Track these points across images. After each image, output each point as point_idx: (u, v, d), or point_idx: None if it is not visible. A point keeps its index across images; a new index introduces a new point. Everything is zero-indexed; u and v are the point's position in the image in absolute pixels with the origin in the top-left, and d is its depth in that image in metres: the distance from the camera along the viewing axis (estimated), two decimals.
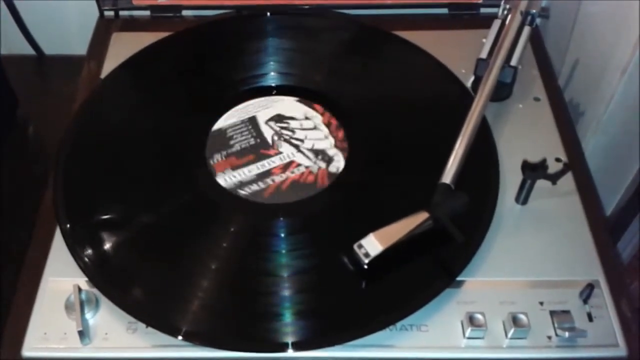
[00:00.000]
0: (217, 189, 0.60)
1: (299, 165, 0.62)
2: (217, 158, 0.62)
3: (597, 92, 0.72)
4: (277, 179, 0.61)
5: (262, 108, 0.66)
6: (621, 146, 0.73)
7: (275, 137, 0.64)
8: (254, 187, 0.60)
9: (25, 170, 0.75)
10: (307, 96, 0.67)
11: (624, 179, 0.74)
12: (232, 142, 0.63)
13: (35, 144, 0.80)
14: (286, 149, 0.63)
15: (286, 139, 0.64)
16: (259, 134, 0.64)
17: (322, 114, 0.66)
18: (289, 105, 0.67)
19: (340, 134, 0.64)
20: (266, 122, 0.65)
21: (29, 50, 0.88)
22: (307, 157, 0.63)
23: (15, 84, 0.81)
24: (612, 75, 0.69)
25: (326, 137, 0.64)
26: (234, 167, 0.61)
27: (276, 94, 0.68)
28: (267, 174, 0.61)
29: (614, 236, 0.72)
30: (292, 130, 0.65)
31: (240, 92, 0.68)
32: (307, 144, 0.64)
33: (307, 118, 0.66)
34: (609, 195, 0.75)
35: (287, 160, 0.62)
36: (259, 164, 0.62)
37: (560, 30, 0.78)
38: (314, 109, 0.66)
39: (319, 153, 0.63)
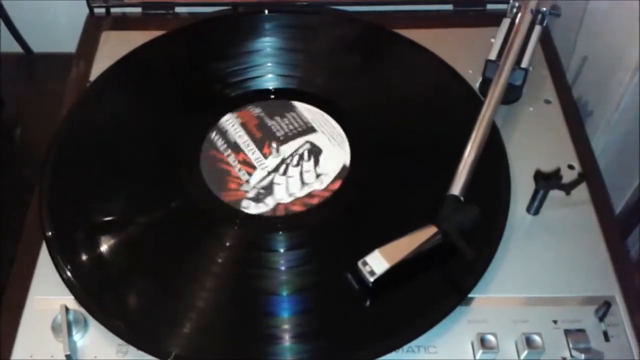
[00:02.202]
0: (213, 202, 0.57)
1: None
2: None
3: (607, 91, 0.70)
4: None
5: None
6: (631, 145, 0.71)
7: (274, 145, 0.61)
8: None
9: (11, 175, 0.72)
10: (305, 99, 0.65)
11: (633, 179, 0.73)
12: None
13: (22, 146, 0.77)
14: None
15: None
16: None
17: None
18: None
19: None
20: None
21: (16, 48, 0.86)
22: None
23: (2, 84, 0.78)
24: (622, 75, 0.67)
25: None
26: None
27: (275, 98, 0.65)
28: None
29: (622, 235, 0.71)
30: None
31: (236, 95, 0.65)
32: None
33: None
34: (618, 195, 0.74)
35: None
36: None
37: (567, 28, 0.76)
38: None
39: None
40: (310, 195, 0.58)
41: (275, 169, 0.60)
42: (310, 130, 0.62)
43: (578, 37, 0.75)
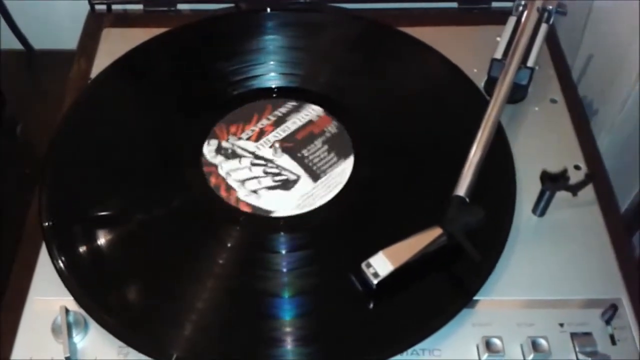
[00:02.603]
0: (214, 202, 0.56)
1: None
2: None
3: (612, 90, 0.70)
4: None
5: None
6: (635, 146, 0.70)
7: (276, 145, 0.61)
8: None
9: (12, 173, 0.71)
10: (308, 98, 0.64)
11: (636, 179, 0.72)
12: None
13: (23, 145, 0.77)
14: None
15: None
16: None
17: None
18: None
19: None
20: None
21: (17, 45, 0.85)
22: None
23: (3, 81, 0.77)
24: (628, 74, 0.67)
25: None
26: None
27: (277, 96, 0.64)
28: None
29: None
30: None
31: (239, 94, 0.64)
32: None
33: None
34: (623, 194, 0.72)
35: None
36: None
37: (572, 26, 0.75)
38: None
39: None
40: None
41: (256, 159, 0.60)
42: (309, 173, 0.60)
43: (583, 36, 0.75)
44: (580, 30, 0.75)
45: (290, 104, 0.63)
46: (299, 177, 0.58)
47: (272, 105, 0.63)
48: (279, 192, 0.57)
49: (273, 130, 0.62)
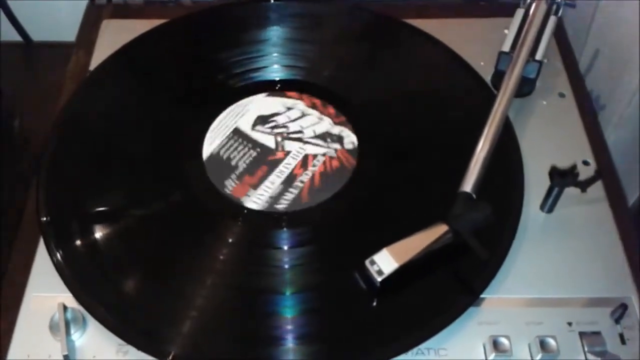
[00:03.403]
0: (215, 197, 0.55)
1: (315, 156, 0.58)
2: (231, 184, 0.56)
3: (619, 85, 0.69)
4: (305, 178, 0.57)
5: (237, 116, 0.61)
6: None
7: (279, 139, 0.59)
8: (289, 196, 0.55)
9: (10, 167, 0.70)
10: (312, 92, 0.63)
11: None
12: (233, 162, 0.58)
13: (21, 139, 0.76)
14: (292, 147, 0.59)
15: (285, 136, 0.60)
16: (254, 143, 0.59)
17: (300, 99, 0.62)
18: (262, 103, 0.62)
19: (331, 110, 0.61)
20: (253, 129, 0.60)
21: (15, 37, 0.84)
22: (317, 144, 0.59)
23: (1, 73, 0.76)
24: (635, 69, 0.66)
25: (321, 119, 0.60)
26: (255, 186, 0.56)
27: (280, 89, 0.63)
28: (292, 177, 0.57)
29: None
30: (284, 126, 0.60)
31: (241, 86, 0.64)
32: (308, 133, 0.60)
33: (289, 108, 0.61)
34: (629, 190, 0.70)
35: (301, 156, 0.58)
36: (277, 172, 0.57)
37: (579, 19, 0.74)
38: (289, 97, 0.62)
39: (325, 136, 0.59)
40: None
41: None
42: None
43: (590, 31, 0.74)
44: (586, 25, 0.74)
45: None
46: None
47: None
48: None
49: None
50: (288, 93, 0.63)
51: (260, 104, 0.62)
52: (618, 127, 0.71)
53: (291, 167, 0.58)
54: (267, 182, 0.57)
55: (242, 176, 0.57)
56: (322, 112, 0.61)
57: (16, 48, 0.85)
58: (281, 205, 0.55)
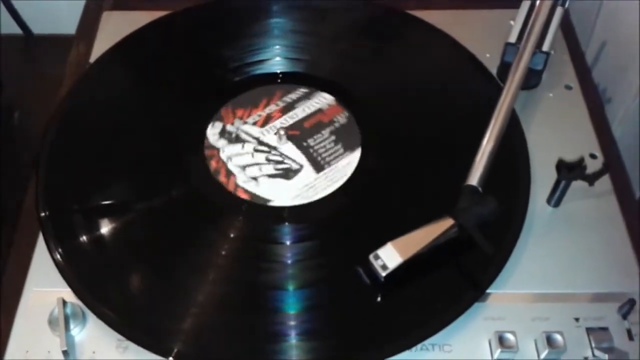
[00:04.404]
0: (216, 191, 0.55)
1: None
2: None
3: (626, 78, 0.68)
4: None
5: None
6: None
7: (281, 132, 0.59)
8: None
9: (10, 160, 0.70)
10: (316, 84, 0.62)
11: None
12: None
13: (21, 131, 0.76)
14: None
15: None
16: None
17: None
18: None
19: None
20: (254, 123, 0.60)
21: (16, 30, 0.85)
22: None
23: (1, 66, 0.77)
24: None
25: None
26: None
27: (281, 82, 0.62)
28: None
29: None
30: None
31: (242, 79, 0.63)
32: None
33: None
34: (636, 183, 0.70)
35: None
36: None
37: (585, 12, 0.74)
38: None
39: None
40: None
41: (260, 145, 0.58)
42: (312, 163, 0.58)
43: (596, 23, 0.73)
44: (592, 17, 0.73)
45: (301, 91, 0.62)
46: (301, 167, 0.57)
47: (282, 90, 0.62)
48: (279, 181, 0.56)
49: (280, 117, 0.60)
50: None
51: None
52: (625, 121, 0.70)
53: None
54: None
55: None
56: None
57: (17, 41, 0.85)
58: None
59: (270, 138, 0.59)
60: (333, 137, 0.58)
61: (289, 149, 0.58)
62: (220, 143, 0.58)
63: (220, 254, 0.51)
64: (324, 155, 0.57)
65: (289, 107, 0.61)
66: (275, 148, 0.58)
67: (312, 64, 0.63)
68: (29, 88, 0.78)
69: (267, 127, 0.59)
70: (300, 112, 0.60)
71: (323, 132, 0.59)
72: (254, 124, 0.59)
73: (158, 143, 0.58)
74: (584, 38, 0.73)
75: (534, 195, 0.55)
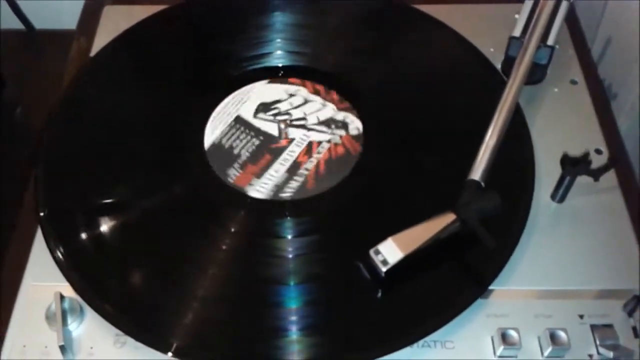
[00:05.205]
0: (217, 186, 0.54)
1: (319, 143, 0.57)
2: (233, 173, 0.55)
3: (631, 73, 0.68)
4: (310, 165, 0.56)
5: (239, 104, 0.60)
6: None
7: (282, 126, 0.58)
8: (294, 184, 0.54)
9: (11, 156, 0.70)
10: (318, 78, 0.62)
11: None
12: (236, 151, 0.57)
13: (22, 127, 0.76)
14: (295, 134, 0.58)
15: (288, 123, 0.59)
16: (256, 131, 0.58)
17: (303, 85, 0.61)
18: (263, 90, 0.61)
19: (334, 95, 0.60)
20: (255, 116, 0.59)
21: (17, 25, 0.84)
22: (321, 131, 0.58)
23: (2, 62, 0.76)
24: None
25: (324, 105, 0.59)
26: (259, 175, 0.55)
27: (283, 75, 0.62)
28: (296, 165, 0.56)
29: None
30: (287, 113, 0.59)
31: (244, 73, 0.62)
32: (312, 119, 0.59)
33: (291, 95, 0.60)
34: None
35: (305, 143, 0.57)
36: (281, 160, 0.56)
37: (590, 6, 0.73)
38: (291, 83, 0.61)
39: (329, 122, 0.58)
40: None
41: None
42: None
43: (602, 19, 0.73)
44: (598, 12, 0.73)
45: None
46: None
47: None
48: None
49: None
50: (290, 79, 0.61)
51: (261, 91, 0.61)
52: (630, 116, 0.69)
53: (295, 154, 0.57)
54: (270, 171, 0.56)
55: (245, 165, 0.56)
56: (325, 98, 0.60)
57: (18, 36, 0.84)
58: (286, 194, 0.54)
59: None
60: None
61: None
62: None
63: (222, 249, 0.51)
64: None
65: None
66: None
67: (313, 57, 0.63)
68: (31, 84, 0.77)
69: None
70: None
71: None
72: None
73: (157, 137, 0.58)
74: (589, 33, 0.72)
75: (538, 190, 0.54)
